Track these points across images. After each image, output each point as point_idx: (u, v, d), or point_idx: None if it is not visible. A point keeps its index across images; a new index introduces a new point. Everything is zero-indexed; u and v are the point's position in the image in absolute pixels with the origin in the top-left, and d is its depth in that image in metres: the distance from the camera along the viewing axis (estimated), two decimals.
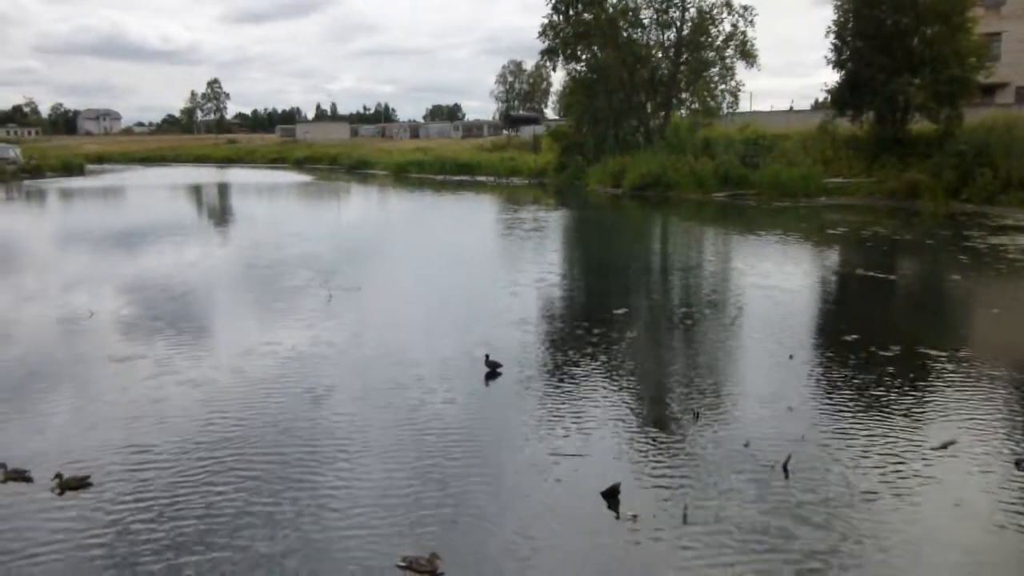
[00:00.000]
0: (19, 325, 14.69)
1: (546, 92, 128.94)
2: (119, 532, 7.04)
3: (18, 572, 6.44)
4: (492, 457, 8.60)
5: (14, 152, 69.40)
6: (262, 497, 7.66)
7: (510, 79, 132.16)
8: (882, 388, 10.68)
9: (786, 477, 8.05)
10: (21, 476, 8.10)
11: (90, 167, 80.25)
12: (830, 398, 10.40)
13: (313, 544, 6.86)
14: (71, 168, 72.22)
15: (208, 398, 10.50)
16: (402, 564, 6.33)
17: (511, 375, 11.40)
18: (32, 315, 15.47)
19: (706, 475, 8.09)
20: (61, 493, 7.76)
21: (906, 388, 10.69)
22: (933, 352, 12.38)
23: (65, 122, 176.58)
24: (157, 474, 8.15)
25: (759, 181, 40.24)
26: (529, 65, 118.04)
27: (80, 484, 7.85)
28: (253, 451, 8.75)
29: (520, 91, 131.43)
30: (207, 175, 72.54)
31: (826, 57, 41.53)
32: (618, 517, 7.31)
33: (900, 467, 8.24)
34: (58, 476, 7.93)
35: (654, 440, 9.05)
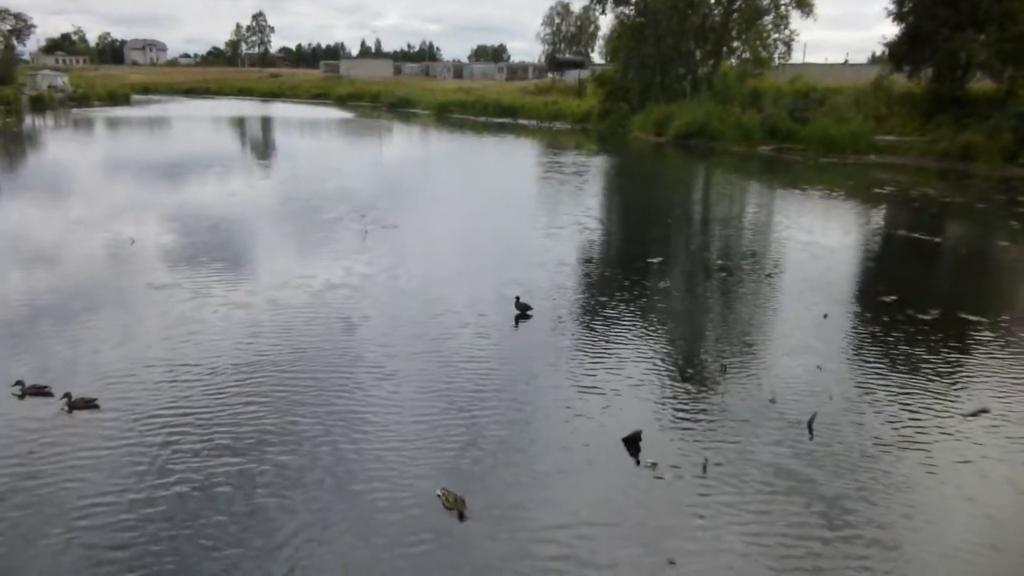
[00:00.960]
0: (64, 250, 15.08)
1: (593, 36, 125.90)
2: (143, 445, 7.35)
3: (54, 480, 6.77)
4: (516, 398, 8.68)
5: (62, 80, 70.26)
6: (290, 417, 7.90)
7: (557, 21, 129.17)
8: (917, 352, 10.48)
9: (810, 436, 8.00)
10: (40, 391, 8.37)
11: (136, 97, 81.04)
12: (862, 359, 10.25)
13: (342, 463, 7.06)
14: (117, 98, 73.00)
15: (241, 324, 10.74)
16: (439, 494, 6.63)
17: (541, 318, 11.48)
18: (76, 240, 15.85)
19: (729, 429, 8.08)
20: (69, 412, 8.00)
21: (942, 353, 10.46)
22: (973, 318, 12.07)
23: (112, 52, 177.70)
24: (187, 392, 8.44)
25: (807, 136, 39.13)
26: (577, 7, 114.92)
27: (87, 405, 8.06)
28: (282, 375, 9.01)
29: (567, 34, 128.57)
30: (250, 108, 72.82)
31: (887, 9, 39.79)
32: (638, 463, 7.37)
33: (928, 433, 8.13)
34: (67, 396, 8.13)
35: (680, 391, 9.06)
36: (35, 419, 7.89)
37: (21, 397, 8.31)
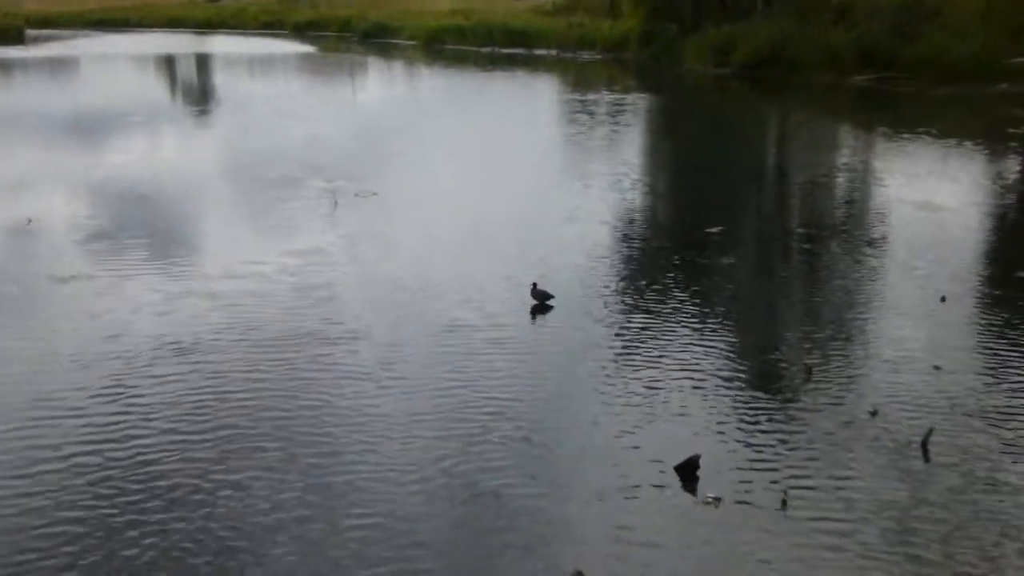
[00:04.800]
0: None
1: None
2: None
3: None
4: (533, 414, 8.66)
5: None
6: (243, 461, 7.91)
7: None
8: None
9: (925, 459, 7.92)
10: None
11: (31, 32, 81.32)
12: (992, 356, 10.13)
13: (321, 507, 7.09)
14: (6, 34, 73.23)
15: (172, 328, 10.74)
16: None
17: (565, 309, 11.46)
18: None
19: (816, 452, 8.01)
20: None
21: None
22: None
23: None
24: (101, 423, 8.48)
25: (916, 59, 38.63)
26: None
27: None
28: (228, 398, 8.94)
29: None
30: (182, 44, 72.90)
31: None
32: (695, 498, 7.35)
33: None
34: None
35: (749, 402, 9.02)
36: None
37: None
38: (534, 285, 11.72)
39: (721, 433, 8.36)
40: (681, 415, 8.71)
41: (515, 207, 17.46)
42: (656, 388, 9.25)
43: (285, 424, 8.49)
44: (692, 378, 9.52)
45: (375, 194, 17.79)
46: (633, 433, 8.34)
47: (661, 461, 7.80)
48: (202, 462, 7.81)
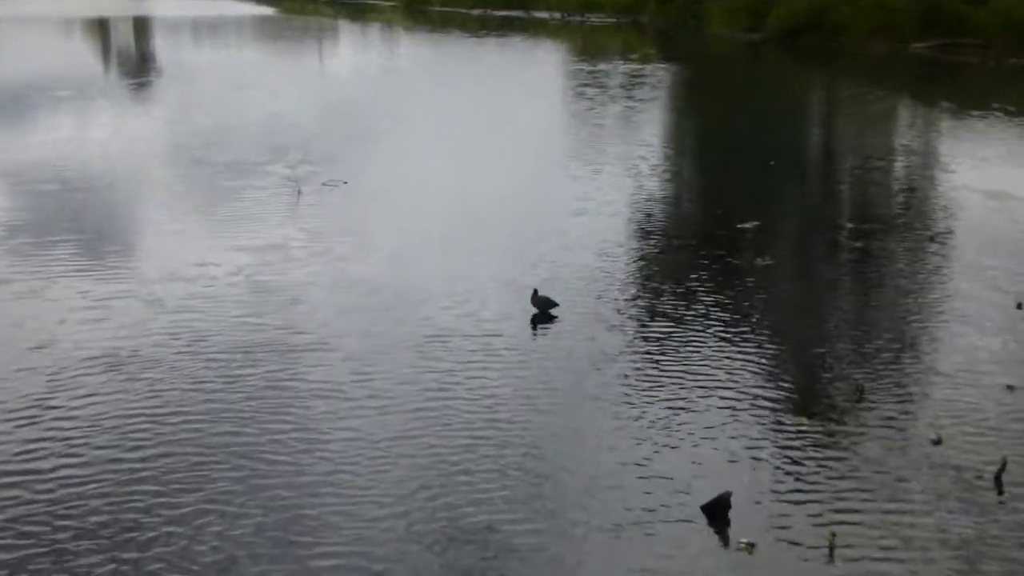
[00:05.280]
0: None
1: None
2: None
3: None
4: (537, 442, 8.59)
5: None
6: (193, 495, 7.86)
7: None
8: None
9: (998, 494, 7.90)
10: None
11: None
12: None
13: (289, 546, 7.05)
14: None
15: (105, 340, 10.64)
16: None
17: (572, 318, 11.45)
18: None
19: (869, 487, 7.95)
20: None
21: None
22: None
23: None
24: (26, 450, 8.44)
25: (986, 23, 38.79)
26: None
27: None
28: (164, 439, 8.70)
29: None
30: (116, 6, 72.88)
31: None
32: (726, 545, 7.30)
33: None
34: None
35: (789, 427, 8.96)
36: None
37: None
38: (535, 292, 11.64)
39: (756, 464, 8.29)
40: (708, 443, 8.62)
41: (512, 198, 17.44)
42: (678, 410, 9.19)
43: (239, 451, 8.38)
44: (721, 399, 9.47)
45: (346, 182, 17.78)
46: (651, 464, 8.27)
47: (685, 496, 7.74)
48: (140, 496, 7.69)
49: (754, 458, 8.43)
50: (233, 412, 9.10)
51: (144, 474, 8.08)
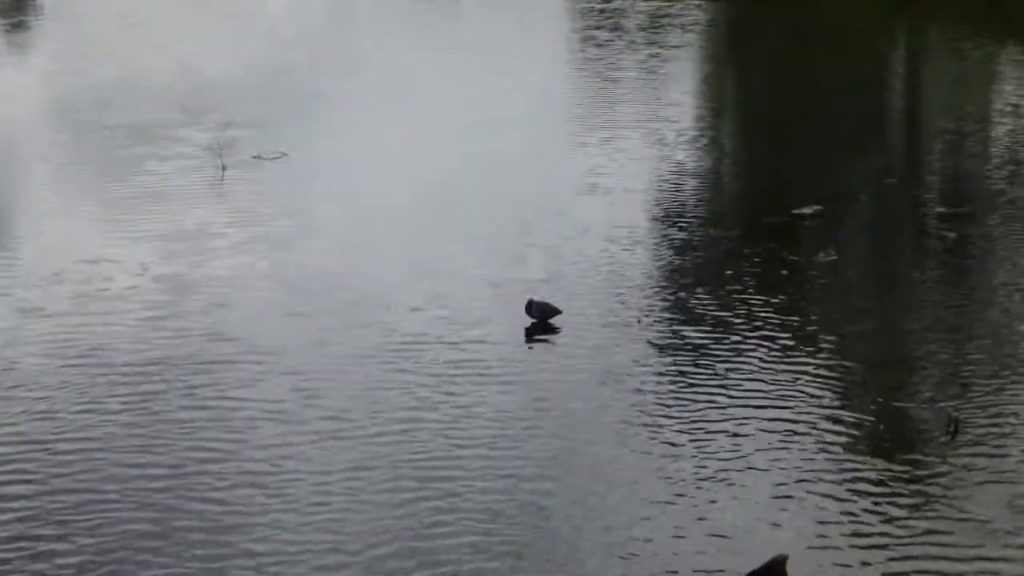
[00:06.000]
0: None
1: None
2: None
3: None
4: (534, 479, 8.58)
5: None
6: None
7: None
8: None
9: None
10: None
11: None
12: None
13: None
14: None
15: None
16: None
17: (576, 330, 11.41)
18: None
19: (967, 547, 7.89)
20: None
21: None
22: None
23: None
24: None
25: None
26: None
27: None
28: (50, 472, 8.68)
29: None
30: None
31: None
32: None
33: None
34: None
35: (861, 471, 8.88)
36: None
37: None
38: (530, 301, 11.51)
39: (820, 515, 8.21)
40: (757, 488, 8.57)
41: (499, 172, 17.30)
42: (718, 446, 9.14)
43: (145, 490, 8.35)
44: (774, 432, 9.39)
45: (285, 154, 17.71)
46: (683, 515, 8.21)
47: (727, 558, 7.67)
48: (18, 543, 7.65)
49: (818, 508, 8.35)
50: (139, 441, 9.15)
51: (22, 513, 8.05)
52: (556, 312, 11.55)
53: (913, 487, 8.72)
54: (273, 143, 18.33)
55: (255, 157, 17.55)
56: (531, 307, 11.51)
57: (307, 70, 25.39)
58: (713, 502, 8.42)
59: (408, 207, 15.38)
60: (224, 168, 16.89)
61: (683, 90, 24.07)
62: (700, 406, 9.88)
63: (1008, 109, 22.84)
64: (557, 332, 11.43)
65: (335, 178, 16.94)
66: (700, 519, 8.23)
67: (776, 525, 8.12)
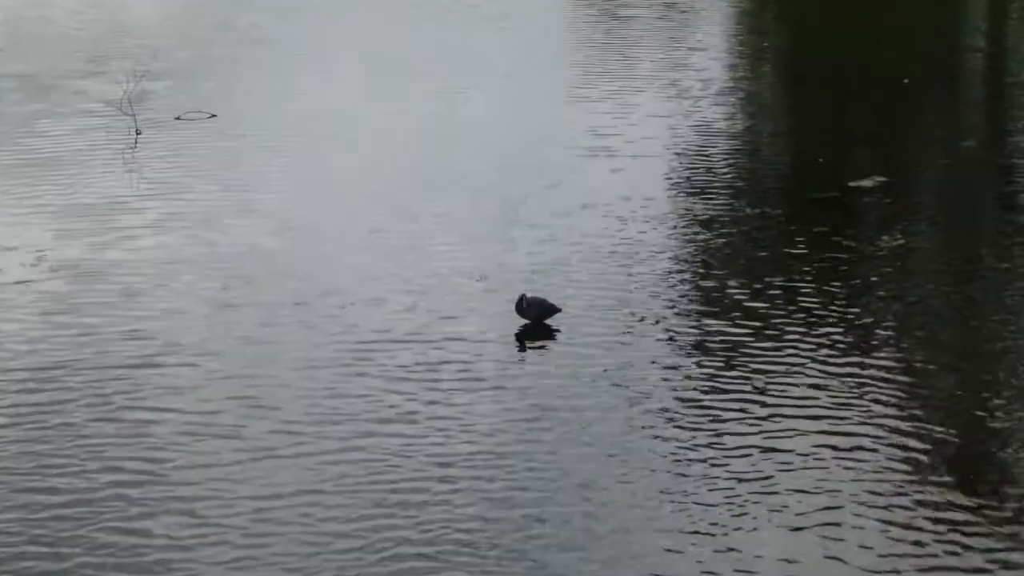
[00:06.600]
0: None
1: None
2: None
3: None
4: (532, 531, 8.29)
5: None
6: None
7: None
8: None
9: None
10: None
11: None
12: None
13: None
14: None
15: None
16: None
17: (578, 332, 11.41)
18: None
19: None
20: None
21: None
22: None
23: None
24: None
25: None
26: None
27: None
28: None
29: None
30: None
31: None
32: None
33: None
34: None
35: (926, 499, 8.67)
36: None
37: None
38: (522, 298, 11.35)
39: (882, 545, 8.07)
40: (800, 513, 8.46)
41: (483, 135, 17.19)
42: (747, 464, 9.02)
43: (44, 515, 8.22)
44: (820, 448, 9.22)
45: (213, 115, 17.73)
46: (708, 543, 8.09)
47: None
48: None
49: (881, 537, 8.24)
50: (33, 462, 8.98)
51: None
52: (554, 310, 11.46)
53: (990, 515, 8.48)
54: (199, 100, 18.25)
55: (177, 119, 17.44)
56: (524, 304, 11.39)
57: (242, 5, 25.30)
58: (754, 530, 8.31)
59: (368, 178, 15.26)
60: (138, 132, 16.75)
61: (710, 32, 24.01)
62: (731, 425, 9.70)
63: None
64: (555, 334, 11.45)
65: (275, 143, 16.79)
66: (730, 549, 8.16)
67: (828, 558, 8.06)
